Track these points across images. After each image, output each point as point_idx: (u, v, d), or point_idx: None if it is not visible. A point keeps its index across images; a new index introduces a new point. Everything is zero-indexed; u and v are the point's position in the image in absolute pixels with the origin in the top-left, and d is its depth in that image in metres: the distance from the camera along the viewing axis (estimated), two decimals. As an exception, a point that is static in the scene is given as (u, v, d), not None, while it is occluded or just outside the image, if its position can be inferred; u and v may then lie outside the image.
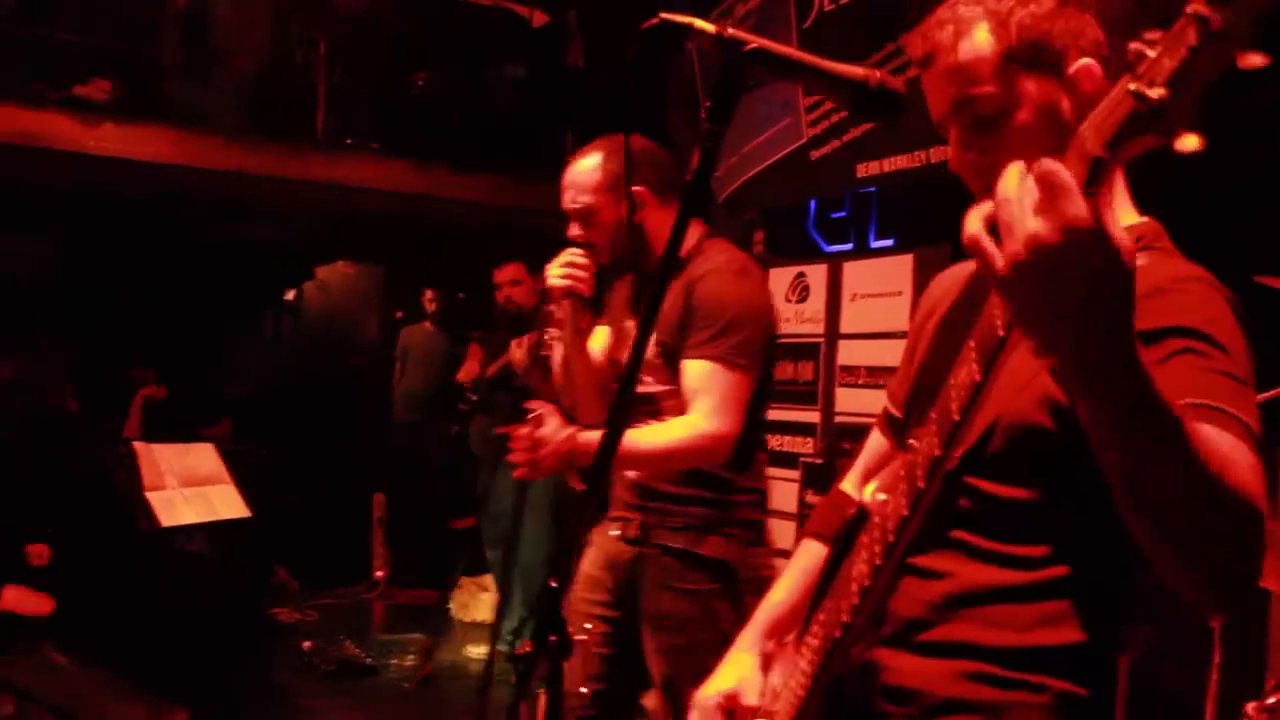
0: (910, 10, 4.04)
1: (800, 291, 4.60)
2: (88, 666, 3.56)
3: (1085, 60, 1.33)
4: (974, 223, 0.95)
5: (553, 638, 1.54)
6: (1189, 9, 0.81)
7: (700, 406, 2.34)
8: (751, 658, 1.72)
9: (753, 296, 2.44)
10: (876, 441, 1.73)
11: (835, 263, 4.45)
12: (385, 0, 6.84)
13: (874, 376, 4.17)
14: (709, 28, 1.23)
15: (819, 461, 4.32)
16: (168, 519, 3.93)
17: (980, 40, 1.33)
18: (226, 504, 4.24)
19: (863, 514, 1.36)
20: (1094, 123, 0.89)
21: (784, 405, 4.60)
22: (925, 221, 4.01)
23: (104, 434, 5.31)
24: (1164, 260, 1.32)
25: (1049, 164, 0.89)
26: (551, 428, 2.32)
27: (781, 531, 4.50)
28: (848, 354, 4.33)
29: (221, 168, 5.93)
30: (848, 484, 1.78)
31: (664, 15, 1.23)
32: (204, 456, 4.31)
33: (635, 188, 2.48)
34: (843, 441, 4.00)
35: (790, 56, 1.27)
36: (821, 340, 4.46)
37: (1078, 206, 0.87)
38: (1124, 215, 1.37)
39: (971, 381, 1.09)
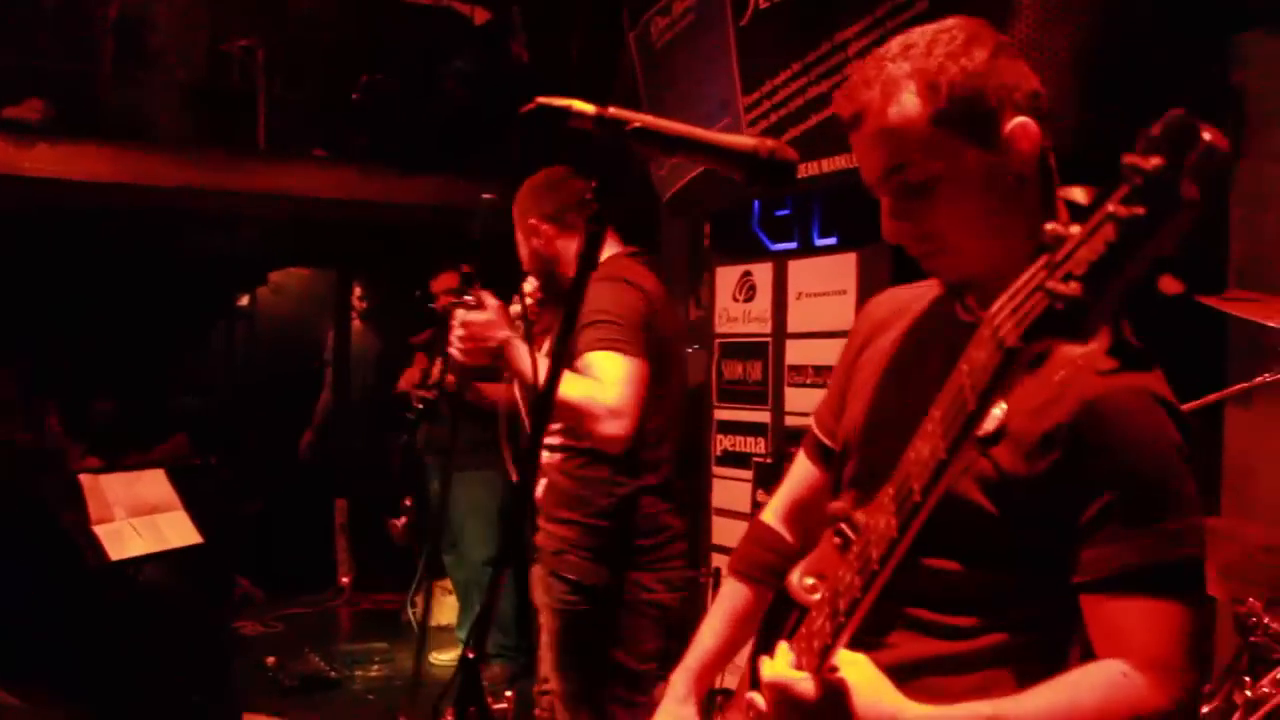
0: (842, 9, 4.04)
1: (747, 291, 4.60)
2: (39, 705, 3.52)
3: (1020, 119, 1.29)
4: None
5: (471, 709, 1.55)
6: (1107, 207, 0.78)
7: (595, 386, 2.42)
8: (690, 709, 1.72)
9: (619, 295, 2.55)
10: (803, 468, 1.71)
11: (780, 261, 4.45)
12: (324, 4, 6.74)
13: (821, 376, 4.18)
14: (589, 109, 1.21)
15: (769, 462, 4.32)
16: (116, 552, 3.88)
17: (909, 104, 1.28)
18: (177, 531, 4.18)
19: (789, 601, 1.34)
20: (1011, 304, 0.87)
21: (735, 405, 4.62)
22: (867, 220, 3.99)
23: (47, 463, 5.24)
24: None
25: (777, 680, 1.23)
26: (488, 318, 2.41)
27: (736, 531, 4.53)
28: (795, 354, 4.33)
29: (163, 184, 5.85)
30: (769, 514, 1.76)
31: (540, 100, 1.21)
32: (153, 484, 4.25)
33: (532, 221, 2.75)
34: (791, 445, 4.01)
35: (675, 132, 1.26)
36: (769, 340, 4.46)
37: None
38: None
39: (936, 460, 1.03)
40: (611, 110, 1.21)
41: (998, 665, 1.30)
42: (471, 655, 1.50)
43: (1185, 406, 2.54)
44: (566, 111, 1.21)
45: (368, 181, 6.48)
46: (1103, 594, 1.23)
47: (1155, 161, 0.77)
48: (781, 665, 1.26)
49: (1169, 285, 0.81)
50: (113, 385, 6.64)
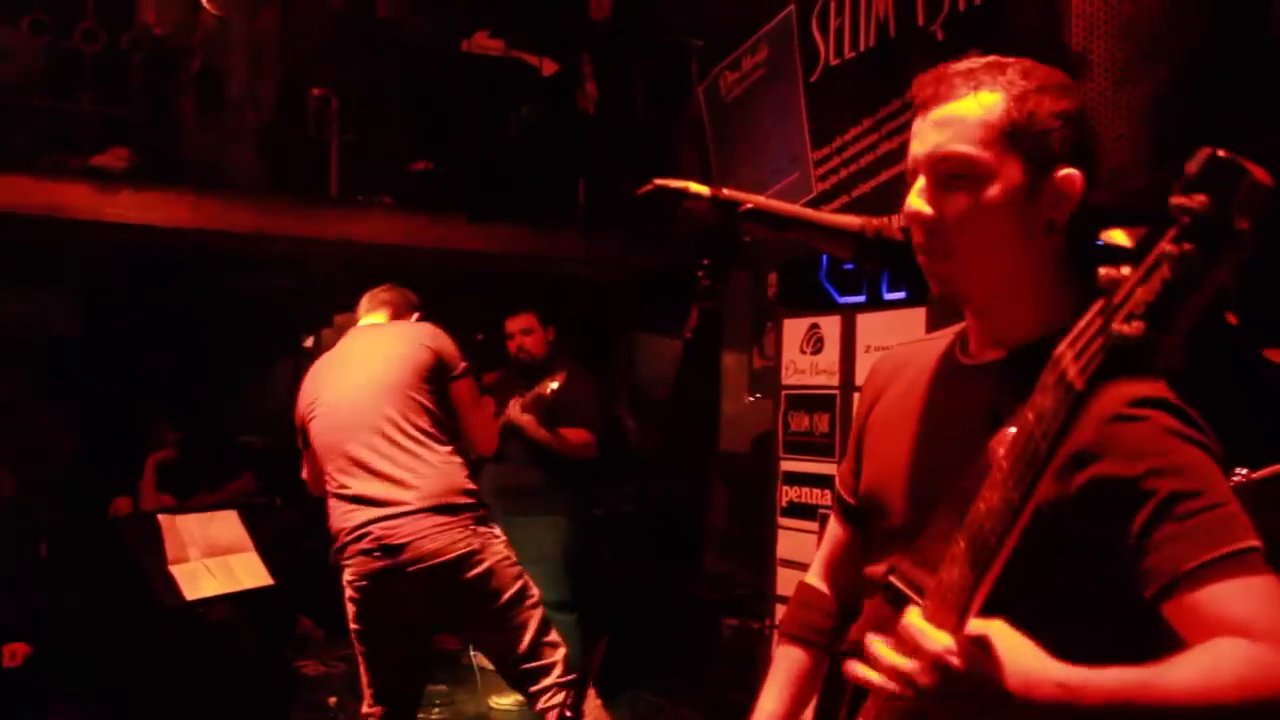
0: (915, 66, 4.09)
1: (815, 343, 4.61)
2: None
3: (1071, 170, 1.32)
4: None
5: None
6: (1161, 246, 0.81)
7: None
8: None
9: None
10: (833, 529, 1.75)
11: (849, 314, 4.46)
12: (396, 55, 6.89)
13: (890, 430, 4.18)
14: (704, 191, 1.25)
15: (837, 515, 4.32)
16: (191, 593, 3.96)
17: (993, 103, 1.32)
18: (249, 573, 4.27)
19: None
20: (1074, 349, 0.89)
21: (801, 456, 4.62)
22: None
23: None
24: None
25: (919, 638, 1.08)
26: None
27: (802, 583, 4.53)
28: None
29: (238, 229, 6.00)
30: (814, 577, 1.79)
31: (657, 181, 1.25)
32: (226, 525, 4.34)
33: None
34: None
35: (786, 213, 1.30)
36: (837, 392, 4.47)
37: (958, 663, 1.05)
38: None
39: (1009, 507, 1.05)
40: (725, 192, 1.25)
41: None
42: (570, 715, 1.54)
43: (1262, 473, 2.53)
44: (683, 193, 1.25)
45: (434, 228, 6.59)
46: (1185, 592, 1.18)
47: (1200, 199, 0.80)
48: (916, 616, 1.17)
49: (1232, 319, 0.83)
50: (180, 423, 6.76)
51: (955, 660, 1.06)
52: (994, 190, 1.31)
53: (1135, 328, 0.82)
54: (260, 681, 4.71)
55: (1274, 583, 1.17)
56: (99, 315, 7.42)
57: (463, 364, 3.71)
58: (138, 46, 6.16)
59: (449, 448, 3.59)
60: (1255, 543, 1.19)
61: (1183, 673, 1.09)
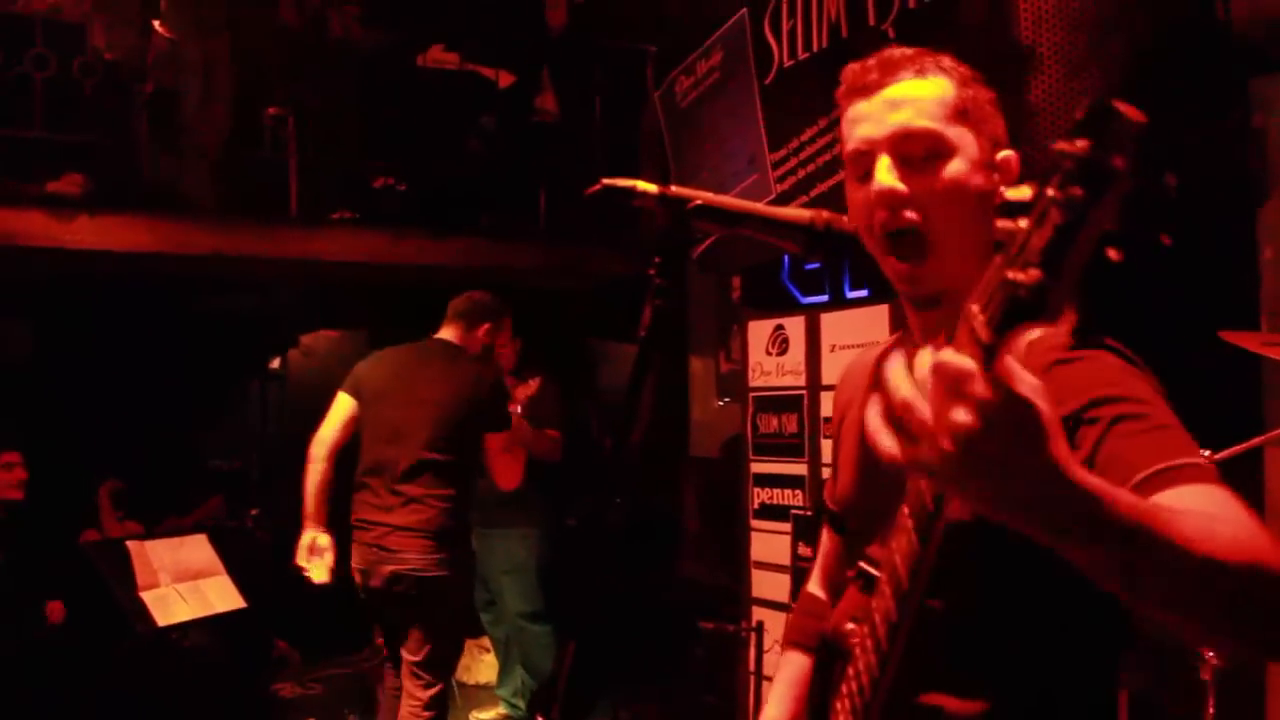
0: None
1: (780, 344, 4.63)
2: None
3: (1009, 153, 1.37)
4: (874, 420, 0.94)
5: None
6: (1046, 193, 0.82)
7: None
8: None
9: None
10: (826, 538, 1.76)
11: (813, 314, 4.49)
12: (351, 71, 6.88)
13: (857, 427, 4.20)
14: (651, 189, 1.26)
15: (808, 514, 4.34)
16: (163, 618, 3.93)
17: (942, 84, 1.35)
18: (222, 596, 4.24)
19: (834, 647, 1.36)
20: (979, 302, 0.88)
21: (772, 458, 4.64)
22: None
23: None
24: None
25: (941, 358, 0.88)
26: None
27: (777, 584, 4.54)
28: (831, 405, 4.34)
29: (198, 251, 5.96)
30: (814, 586, 1.80)
31: (605, 181, 1.25)
32: (196, 549, 4.31)
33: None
34: (830, 498, 4.01)
35: (735, 208, 1.30)
36: (804, 392, 4.49)
37: (984, 391, 0.87)
38: None
39: (913, 552, 1.09)
40: (674, 189, 1.26)
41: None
42: (541, 720, 1.53)
43: (1225, 453, 2.56)
44: (631, 191, 1.26)
45: (397, 245, 6.57)
46: (1145, 496, 1.09)
47: (1082, 143, 0.82)
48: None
49: (1114, 255, 0.84)
50: (145, 449, 6.70)
51: (1022, 385, 0.88)
52: (959, 163, 1.32)
53: (1031, 275, 0.83)
54: (238, 706, 4.68)
55: (1234, 494, 1.12)
56: (56, 342, 7.33)
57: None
58: (89, 72, 6.11)
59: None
60: (1208, 463, 1.15)
61: (1187, 521, 1.00)
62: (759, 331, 4.75)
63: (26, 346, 7.37)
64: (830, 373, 4.35)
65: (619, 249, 6.39)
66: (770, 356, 4.67)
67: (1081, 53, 3.09)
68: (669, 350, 6.05)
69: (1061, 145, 0.83)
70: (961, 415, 0.87)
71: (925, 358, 0.90)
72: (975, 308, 0.88)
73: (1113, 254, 0.82)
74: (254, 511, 6.36)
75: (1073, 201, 0.82)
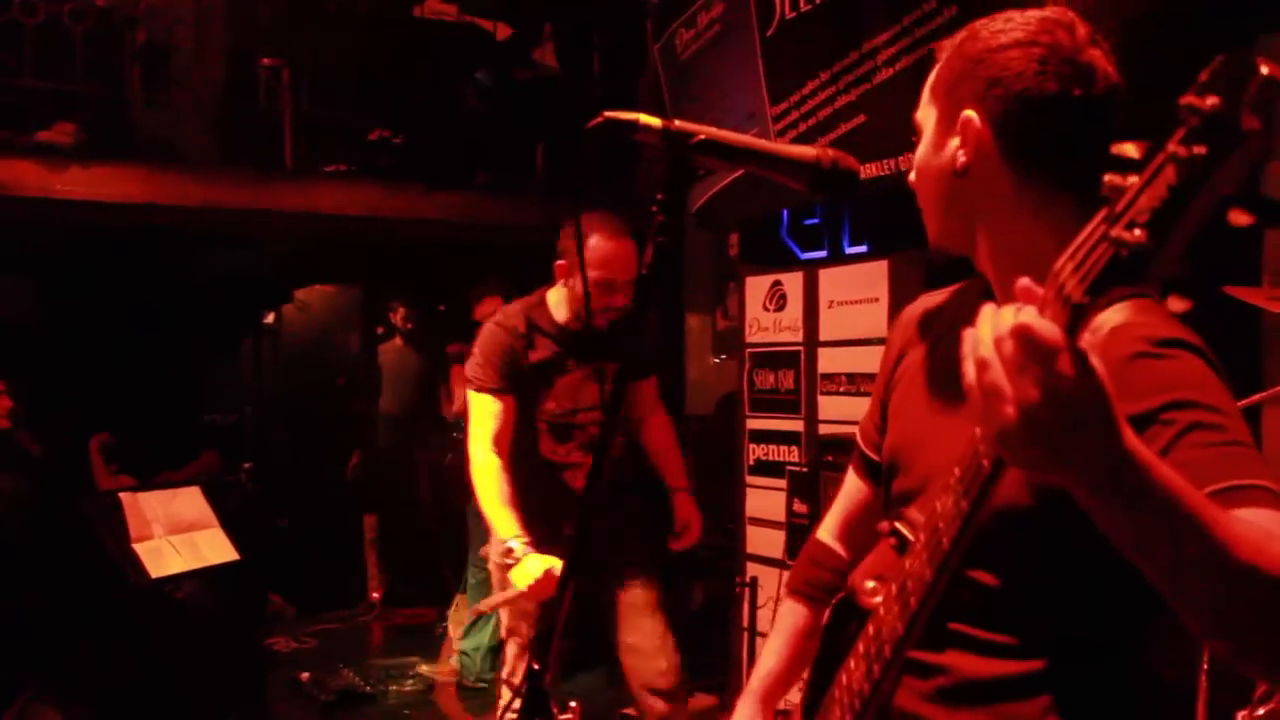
0: (869, 18, 4.05)
1: (778, 300, 4.60)
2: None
3: (969, 112, 1.28)
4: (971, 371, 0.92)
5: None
6: (1167, 148, 0.77)
7: None
8: None
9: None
10: (853, 485, 1.70)
11: (811, 270, 4.45)
12: (347, 22, 6.79)
13: (855, 384, 4.18)
14: (655, 122, 1.22)
15: (805, 470, 4.32)
16: (156, 570, 3.91)
17: (940, 67, 1.36)
18: (215, 549, 4.22)
19: (853, 606, 1.34)
20: (1074, 261, 0.84)
21: (768, 414, 4.63)
22: (898, 227, 4.01)
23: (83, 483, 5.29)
24: (1143, 316, 1.20)
25: (1027, 321, 0.85)
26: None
27: (771, 540, 4.53)
28: (828, 361, 4.33)
29: (191, 203, 5.89)
30: (824, 533, 1.75)
31: (607, 114, 1.22)
32: (190, 501, 4.29)
33: None
34: (826, 454, 4.00)
35: (739, 144, 1.27)
36: (801, 348, 4.46)
37: (1065, 366, 0.83)
38: None
39: (960, 513, 1.06)
40: (677, 123, 1.22)
41: (1054, 690, 1.26)
42: (537, 667, 1.52)
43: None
44: (633, 125, 1.22)
45: (393, 198, 6.51)
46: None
47: (1212, 100, 0.76)
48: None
49: (1239, 218, 0.79)
50: (140, 402, 6.67)
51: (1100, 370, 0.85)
52: (921, 147, 1.38)
53: (1138, 235, 0.78)
54: (232, 660, 4.68)
55: None
56: (51, 296, 7.29)
57: None
58: (79, 19, 6.02)
59: None
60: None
61: (1239, 523, 0.98)
62: (757, 287, 4.72)
63: (25, 303, 7.33)
64: (829, 328, 4.33)
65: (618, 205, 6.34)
66: (768, 312, 4.64)
67: (1088, 8, 3.04)
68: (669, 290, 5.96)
69: (1190, 98, 0.77)
70: (1034, 389, 0.85)
71: (1007, 315, 0.86)
72: (1069, 267, 0.84)
73: (1242, 218, 0.77)
74: (247, 465, 6.31)
75: (1194, 161, 0.76)
